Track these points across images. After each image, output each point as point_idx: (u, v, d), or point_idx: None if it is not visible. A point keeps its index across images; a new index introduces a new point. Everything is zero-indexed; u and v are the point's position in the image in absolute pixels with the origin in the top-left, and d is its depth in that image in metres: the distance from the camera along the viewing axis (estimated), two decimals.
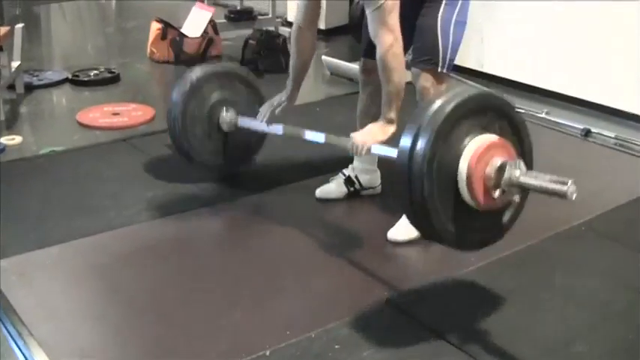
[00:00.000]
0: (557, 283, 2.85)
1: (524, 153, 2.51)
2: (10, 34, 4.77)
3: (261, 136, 3.67)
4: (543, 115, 4.68)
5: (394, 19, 2.83)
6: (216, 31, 6.07)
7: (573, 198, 2.26)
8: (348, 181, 3.51)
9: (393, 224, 3.15)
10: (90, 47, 6.72)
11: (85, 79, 5.32)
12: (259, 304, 2.73)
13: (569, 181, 2.25)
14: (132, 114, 4.61)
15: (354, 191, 3.52)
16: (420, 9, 3.05)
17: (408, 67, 3.06)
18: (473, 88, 2.44)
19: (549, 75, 5.07)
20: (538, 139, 4.39)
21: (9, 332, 2.51)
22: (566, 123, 4.57)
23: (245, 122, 3.53)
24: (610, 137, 4.37)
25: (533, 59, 5.14)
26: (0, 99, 4.51)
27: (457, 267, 2.93)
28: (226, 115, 3.54)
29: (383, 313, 2.66)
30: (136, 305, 2.73)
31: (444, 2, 3.01)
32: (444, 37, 3.02)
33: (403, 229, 3.10)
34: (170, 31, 5.88)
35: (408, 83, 3.00)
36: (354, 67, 4.46)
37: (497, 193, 2.35)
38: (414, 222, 2.50)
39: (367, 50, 3.28)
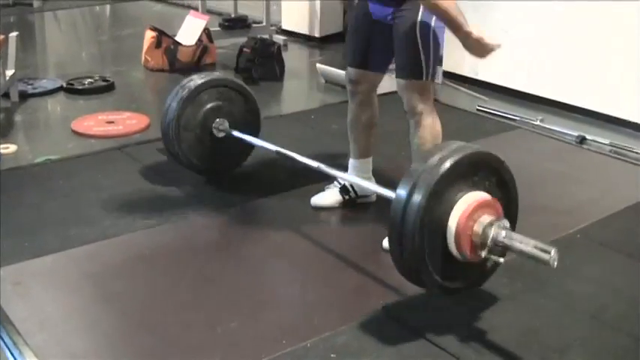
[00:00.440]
0: (553, 291, 2.85)
1: (510, 210, 2.61)
2: (5, 42, 4.77)
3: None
4: (538, 123, 4.70)
5: None
6: (210, 39, 6.07)
7: (555, 266, 2.33)
8: (343, 189, 3.50)
9: None
10: (84, 55, 6.72)
11: (80, 87, 5.31)
12: (255, 312, 2.72)
13: (553, 250, 2.32)
14: (126, 122, 4.60)
15: (349, 200, 3.51)
16: (394, 18, 3.04)
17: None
18: (468, 145, 2.57)
19: (544, 82, 5.08)
20: (533, 147, 4.47)
21: (4, 342, 2.50)
22: (561, 130, 4.58)
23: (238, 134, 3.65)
24: (605, 144, 4.38)
25: (528, 66, 5.16)
26: None
27: None
28: (219, 123, 3.66)
29: (379, 321, 2.65)
30: (131, 315, 2.72)
31: (420, 10, 2.98)
32: (425, 47, 3.01)
33: None
34: (164, 39, 5.88)
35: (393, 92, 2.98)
36: None
37: (483, 253, 2.46)
38: (401, 269, 2.56)
39: (352, 60, 3.29)
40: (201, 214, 3.48)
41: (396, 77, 3.12)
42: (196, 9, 6.56)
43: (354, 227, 3.42)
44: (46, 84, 5.36)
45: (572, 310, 2.75)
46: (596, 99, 4.78)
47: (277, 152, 3.46)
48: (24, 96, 5.07)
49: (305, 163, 3.31)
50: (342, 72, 5.38)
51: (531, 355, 2.48)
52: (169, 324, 2.65)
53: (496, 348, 2.50)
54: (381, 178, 3.49)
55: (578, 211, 3.57)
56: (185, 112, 3.61)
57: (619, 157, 4.26)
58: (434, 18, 2.97)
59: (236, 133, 3.67)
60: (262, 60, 5.66)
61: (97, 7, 8.82)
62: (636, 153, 4.24)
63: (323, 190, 3.55)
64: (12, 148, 4.19)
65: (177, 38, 5.95)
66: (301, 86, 5.89)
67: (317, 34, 6.74)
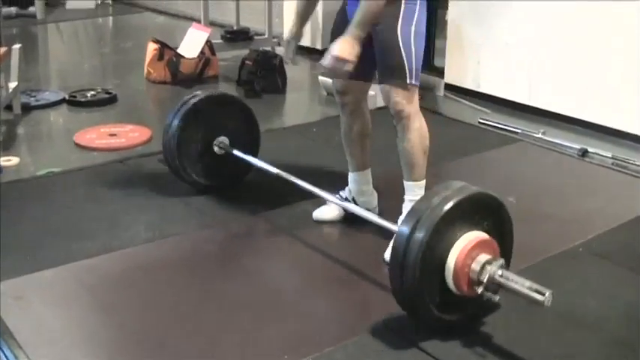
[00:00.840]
0: (554, 304, 2.83)
1: (506, 249, 2.69)
2: (7, 54, 4.78)
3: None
4: (540, 135, 4.69)
5: None
6: (212, 52, 6.08)
7: (549, 305, 2.42)
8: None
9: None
10: (87, 67, 6.73)
11: (82, 99, 5.31)
12: (256, 327, 2.72)
13: (547, 292, 2.41)
14: (129, 135, 4.61)
15: (351, 214, 3.51)
16: (376, 25, 3.03)
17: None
18: (470, 187, 2.64)
19: (545, 95, 5.08)
20: (535, 160, 4.46)
21: (5, 355, 2.50)
22: (563, 143, 4.57)
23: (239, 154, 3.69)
24: (607, 157, 4.38)
25: (530, 79, 5.16)
26: None
27: None
28: (220, 141, 3.71)
29: (380, 336, 2.64)
30: (132, 328, 2.72)
31: (400, 15, 3.00)
32: (407, 52, 3.03)
33: None
34: (167, 51, 5.89)
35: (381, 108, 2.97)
36: None
37: (480, 290, 2.54)
38: (401, 301, 2.62)
39: None
40: (202, 228, 3.48)
41: (380, 83, 3.13)
42: (199, 21, 6.57)
43: (355, 241, 3.41)
44: (49, 96, 5.37)
45: (573, 323, 2.75)
46: (598, 111, 4.78)
47: (278, 175, 3.48)
48: (27, 108, 5.08)
49: (308, 189, 3.34)
50: None
51: None
52: (170, 338, 2.64)
53: None
54: (381, 190, 3.53)
55: (580, 224, 3.56)
56: (186, 129, 3.64)
57: (621, 169, 4.26)
58: (414, 21, 3.01)
59: (236, 152, 3.70)
60: (264, 72, 5.66)
61: (100, 19, 8.86)
62: (638, 166, 4.24)
63: (325, 203, 3.54)
64: (14, 160, 4.20)
65: (179, 50, 5.95)
66: (303, 99, 5.88)
67: (319, 47, 6.74)
